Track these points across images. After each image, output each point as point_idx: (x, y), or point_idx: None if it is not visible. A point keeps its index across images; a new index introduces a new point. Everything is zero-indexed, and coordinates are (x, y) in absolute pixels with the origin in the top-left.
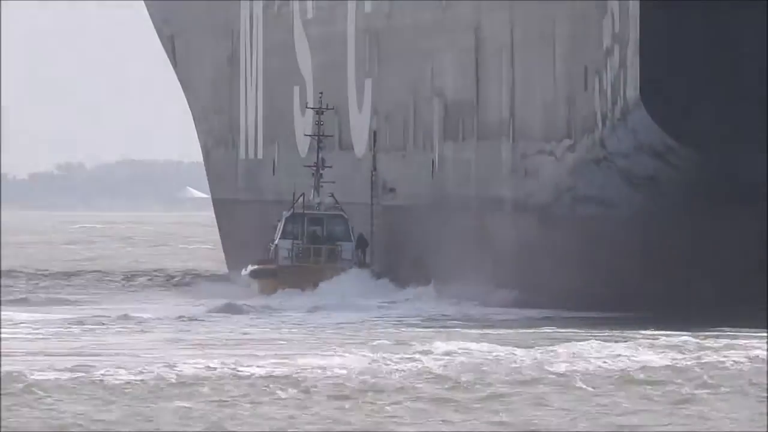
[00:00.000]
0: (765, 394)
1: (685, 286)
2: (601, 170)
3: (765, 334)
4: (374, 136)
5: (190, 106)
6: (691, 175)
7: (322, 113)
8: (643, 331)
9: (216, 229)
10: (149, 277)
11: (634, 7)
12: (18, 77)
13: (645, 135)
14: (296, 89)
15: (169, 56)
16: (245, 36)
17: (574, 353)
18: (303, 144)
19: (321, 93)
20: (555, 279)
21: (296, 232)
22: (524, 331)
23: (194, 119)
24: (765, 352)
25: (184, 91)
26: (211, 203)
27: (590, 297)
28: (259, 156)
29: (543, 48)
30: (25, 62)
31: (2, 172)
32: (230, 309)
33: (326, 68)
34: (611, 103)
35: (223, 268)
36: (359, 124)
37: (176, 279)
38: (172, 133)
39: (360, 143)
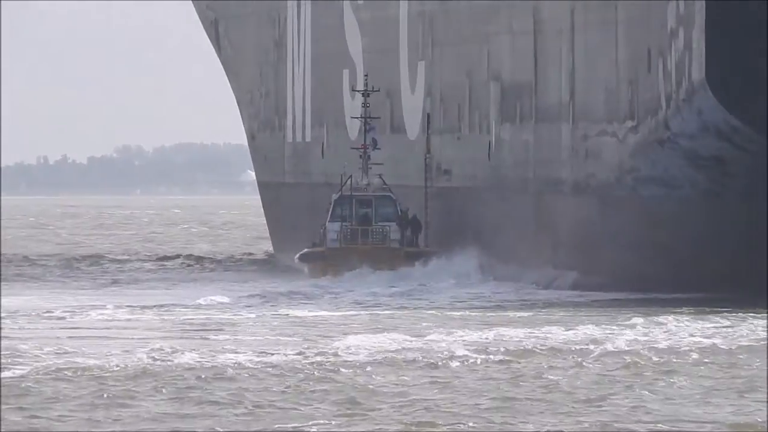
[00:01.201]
0: None
1: (748, 267)
2: (664, 151)
3: None
4: (428, 118)
5: (233, 91)
6: (755, 156)
7: (369, 95)
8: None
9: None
10: (192, 261)
11: None
12: (66, 63)
13: (710, 116)
14: (345, 72)
15: (212, 41)
16: (292, 20)
17: None
18: (352, 126)
19: (366, 75)
20: (615, 260)
21: (345, 214)
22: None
23: (238, 103)
24: None
25: (228, 76)
26: (257, 186)
27: (652, 278)
28: (307, 139)
29: (604, 31)
30: (70, 47)
31: (60, 155)
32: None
33: (377, 51)
34: (676, 85)
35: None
36: (412, 107)
37: (223, 263)
38: (225, 117)
39: (413, 126)
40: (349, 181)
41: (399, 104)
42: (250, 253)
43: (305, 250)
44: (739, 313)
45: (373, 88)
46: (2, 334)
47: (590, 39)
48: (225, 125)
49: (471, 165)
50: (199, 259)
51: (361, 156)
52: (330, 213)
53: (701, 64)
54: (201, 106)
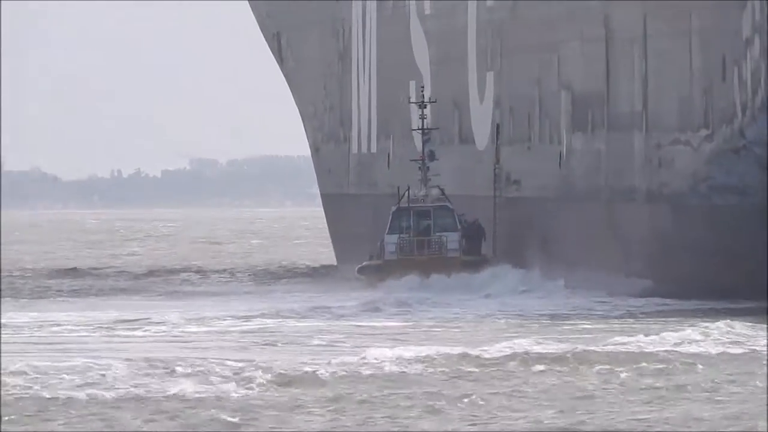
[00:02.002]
0: None
1: None
2: (740, 159)
3: None
4: (497, 128)
5: (296, 103)
6: None
7: (425, 107)
8: None
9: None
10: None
11: None
12: (137, 74)
13: None
14: (412, 83)
15: (274, 54)
16: (357, 32)
17: None
18: (419, 138)
19: (422, 87)
20: (689, 268)
21: (403, 226)
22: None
23: (302, 116)
24: None
25: (291, 88)
26: (320, 198)
27: (725, 286)
28: (373, 150)
29: (677, 40)
30: (132, 59)
31: (133, 170)
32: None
33: (444, 62)
34: (752, 93)
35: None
36: (480, 117)
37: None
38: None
39: (481, 136)
40: (407, 194)
41: (467, 114)
42: (312, 266)
43: (364, 263)
44: None
45: (430, 99)
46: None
47: (663, 47)
48: (293, 137)
49: (541, 175)
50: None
51: (420, 168)
52: (388, 225)
53: None
54: (273, 117)
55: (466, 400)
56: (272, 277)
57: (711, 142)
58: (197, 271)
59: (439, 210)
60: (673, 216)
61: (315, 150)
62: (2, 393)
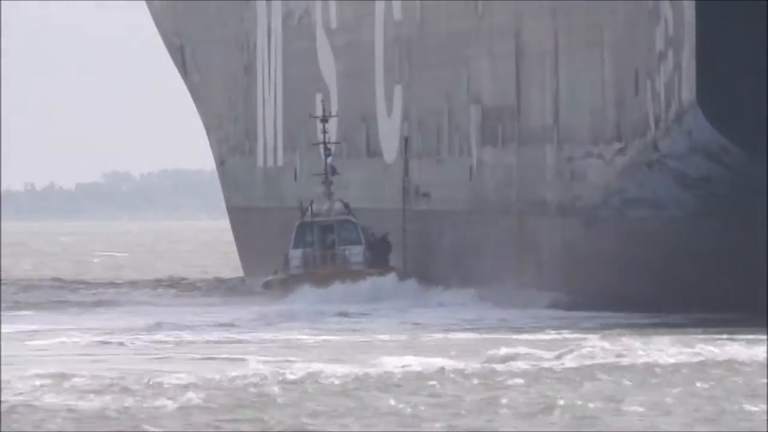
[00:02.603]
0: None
1: (735, 287)
2: (652, 172)
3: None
4: (405, 141)
5: (201, 116)
6: (744, 177)
7: (327, 121)
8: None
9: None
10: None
11: (690, 11)
12: (46, 88)
13: (700, 136)
14: (318, 96)
15: (178, 67)
16: (262, 46)
17: None
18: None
19: (323, 101)
20: (601, 281)
21: (307, 240)
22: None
23: (206, 128)
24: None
25: (195, 101)
26: (226, 211)
27: (637, 298)
28: (279, 163)
29: (589, 54)
30: (42, 72)
31: (47, 182)
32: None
33: (351, 76)
34: (665, 106)
35: (235, 275)
36: (388, 130)
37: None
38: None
39: (389, 149)
40: (310, 208)
41: (375, 128)
42: (220, 278)
43: (269, 277)
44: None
45: (330, 113)
46: None
47: (575, 61)
48: (203, 150)
49: (451, 188)
50: (176, 283)
51: (323, 182)
52: (292, 240)
53: (691, 86)
54: (183, 131)
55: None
56: (178, 289)
57: (624, 155)
58: (95, 284)
59: (343, 224)
60: (585, 229)
61: (220, 163)
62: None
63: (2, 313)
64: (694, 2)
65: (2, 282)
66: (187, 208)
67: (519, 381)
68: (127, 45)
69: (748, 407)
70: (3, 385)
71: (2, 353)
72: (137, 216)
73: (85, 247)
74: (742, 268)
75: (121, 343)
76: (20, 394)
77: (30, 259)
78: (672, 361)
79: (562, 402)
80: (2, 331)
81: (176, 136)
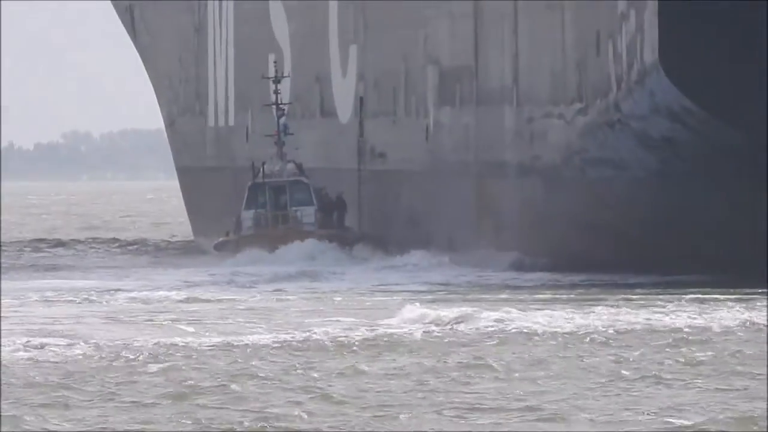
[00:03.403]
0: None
1: (693, 249)
2: (614, 133)
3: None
4: (360, 102)
5: (150, 77)
6: (706, 137)
7: (280, 81)
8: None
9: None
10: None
11: None
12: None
13: (663, 97)
14: (271, 57)
15: (126, 27)
16: (213, 6)
17: None
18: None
19: (275, 62)
20: (560, 241)
21: (259, 201)
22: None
23: (155, 89)
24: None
25: (144, 62)
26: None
27: (597, 259)
28: (231, 123)
29: (549, 15)
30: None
31: (6, 142)
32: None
33: (305, 36)
34: (627, 67)
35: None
36: (343, 91)
37: (140, 247)
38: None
39: (344, 109)
40: (262, 169)
41: (329, 88)
42: (169, 240)
43: (221, 238)
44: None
45: (283, 73)
46: None
47: (534, 23)
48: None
49: (407, 148)
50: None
51: (275, 142)
52: (245, 201)
53: (654, 46)
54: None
55: None
56: (130, 251)
57: (585, 115)
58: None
59: (295, 185)
60: (546, 189)
61: (170, 123)
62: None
63: None
64: None
65: None
66: (147, 168)
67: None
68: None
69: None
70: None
71: None
72: (96, 176)
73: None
74: (702, 229)
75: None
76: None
77: None
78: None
79: None
80: None
81: (135, 96)
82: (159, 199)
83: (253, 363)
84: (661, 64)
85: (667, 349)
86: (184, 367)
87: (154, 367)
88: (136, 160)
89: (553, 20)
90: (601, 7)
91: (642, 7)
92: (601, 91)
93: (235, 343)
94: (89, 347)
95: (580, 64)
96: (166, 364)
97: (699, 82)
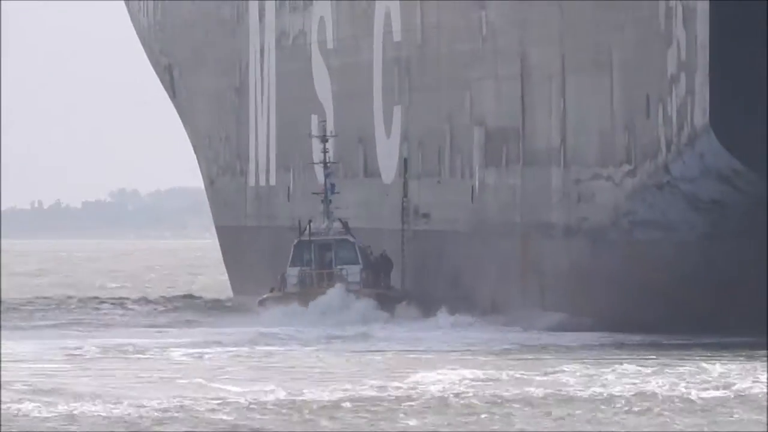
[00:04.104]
0: None
1: (746, 311)
2: (663, 195)
3: None
4: (405, 162)
5: (189, 136)
6: (758, 200)
7: (327, 140)
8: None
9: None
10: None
11: (703, 34)
12: (53, 106)
13: (712, 160)
14: (314, 117)
15: (165, 87)
16: (255, 66)
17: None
18: (321, 171)
19: (323, 121)
20: (607, 302)
21: (305, 259)
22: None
23: (194, 148)
24: None
25: (183, 121)
26: (215, 230)
27: (645, 320)
28: (272, 183)
29: (597, 76)
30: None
31: (58, 200)
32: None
33: (348, 97)
34: (677, 129)
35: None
36: (387, 151)
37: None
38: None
39: (388, 170)
40: (309, 226)
41: (373, 148)
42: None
43: (265, 295)
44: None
45: (331, 133)
46: None
47: (582, 83)
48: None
49: (452, 209)
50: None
51: (322, 200)
52: (290, 258)
53: (705, 109)
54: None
55: None
56: (168, 308)
57: (633, 177)
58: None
59: (341, 243)
60: (593, 251)
61: (209, 182)
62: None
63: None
64: (708, 25)
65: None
66: (193, 226)
67: None
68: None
69: None
70: None
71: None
72: (143, 234)
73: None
74: (754, 292)
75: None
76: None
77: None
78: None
79: None
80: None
81: (183, 154)
82: (201, 257)
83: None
84: (711, 127)
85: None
86: None
87: None
88: (183, 218)
89: (601, 81)
90: (651, 69)
91: (693, 70)
92: (651, 153)
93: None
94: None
95: (628, 125)
96: None
97: (750, 145)
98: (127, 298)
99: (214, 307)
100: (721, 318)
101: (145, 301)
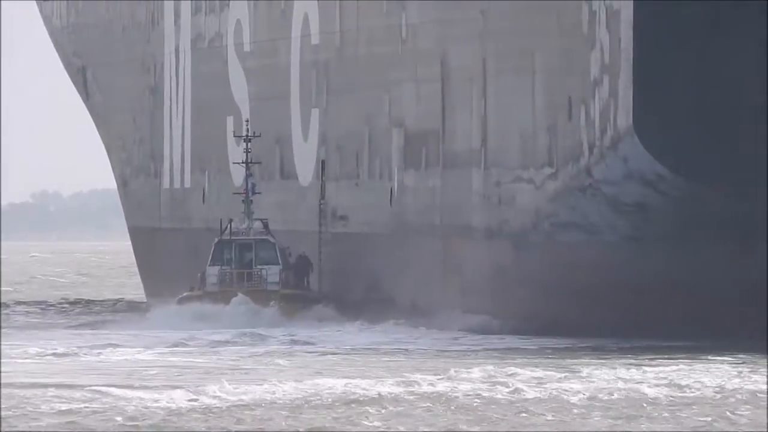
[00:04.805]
0: None
1: (664, 313)
2: (585, 197)
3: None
4: (322, 164)
5: (102, 137)
6: (681, 204)
7: (250, 141)
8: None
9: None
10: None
11: (627, 38)
12: None
13: (636, 163)
14: (230, 119)
15: (79, 89)
16: (170, 68)
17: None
18: (236, 173)
19: (247, 121)
20: (528, 304)
21: (225, 258)
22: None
23: (107, 150)
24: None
25: (96, 123)
26: (128, 232)
27: (566, 323)
28: (187, 185)
29: (519, 78)
30: None
31: None
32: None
33: (265, 99)
34: (600, 132)
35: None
36: (304, 154)
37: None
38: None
39: (305, 172)
40: (229, 226)
41: (290, 151)
42: (119, 299)
43: (185, 293)
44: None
45: (254, 133)
46: None
47: (504, 86)
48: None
49: (370, 211)
50: (80, 303)
51: (243, 201)
52: (210, 257)
53: (628, 112)
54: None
55: None
56: (83, 311)
57: (555, 180)
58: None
59: (261, 243)
60: (514, 253)
61: (122, 184)
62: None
63: None
64: (631, 27)
65: None
66: (117, 227)
67: None
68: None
69: None
70: None
71: None
72: (66, 236)
73: None
74: (674, 294)
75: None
76: None
77: None
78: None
79: None
80: None
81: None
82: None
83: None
84: (635, 130)
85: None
86: None
87: None
88: (106, 220)
89: (523, 84)
90: (574, 72)
91: (616, 73)
92: (573, 155)
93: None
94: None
95: (550, 128)
96: None
97: (673, 148)
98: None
99: (118, 310)
100: (641, 321)
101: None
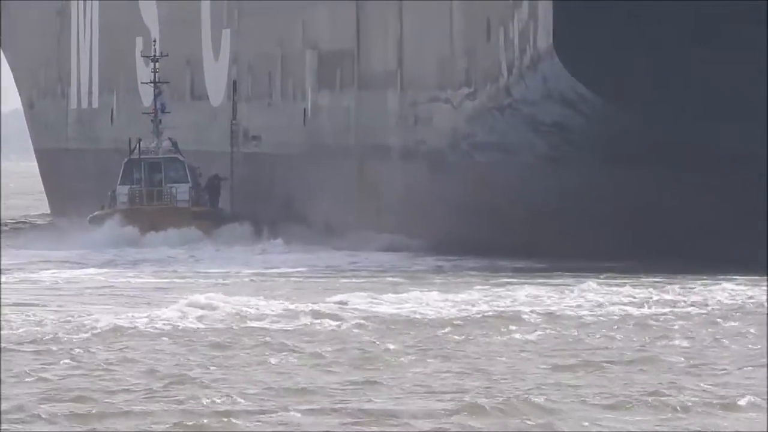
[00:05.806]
0: None
1: (577, 234)
2: (504, 117)
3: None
4: (234, 85)
5: (8, 60)
6: (599, 125)
7: (158, 60)
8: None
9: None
10: None
11: None
12: None
13: (555, 83)
14: (139, 40)
15: None
16: None
17: None
18: (145, 93)
19: (155, 41)
20: (444, 225)
21: (134, 177)
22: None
23: (13, 71)
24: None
25: (2, 45)
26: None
27: (480, 242)
28: (94, 105)
29: (437, 2)
30: None
31: None
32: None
33: (175, 21)
34: (519, 53)
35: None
36: (215, 74)
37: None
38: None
39: (216, 93)
40: (138, 145)
41: (200, 71)
42: (26, 220)
43: (96, 212)
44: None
45: (162, 53)
46: None
47: (420, 7)
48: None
49: (283, 132)
50: None
51: (152, 120)
52: (120, 176)
53: (548, 32)
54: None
55: None
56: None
57: (473, 100)
58: None
59: (170, 162)
60: (430, 173)
61: (29, 105)
62: None
63: None
64: None
65: None
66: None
67: None
68: None
69: None
70: None
71: None
72: None
73: None
74: (590, 214)
75: None
76: None
77: None
78: None
79: None
80: None
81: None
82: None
83: None
84: (555, 50)
85: None
86: None
87: None
88: (26, 140)
89: (440, 5)
90: None
91: None
92: (491, 76)
93: None
94: None
95: (468, 50)
96: None
97: (594, 69)
98: None
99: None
100: (555, 241)
101: None
